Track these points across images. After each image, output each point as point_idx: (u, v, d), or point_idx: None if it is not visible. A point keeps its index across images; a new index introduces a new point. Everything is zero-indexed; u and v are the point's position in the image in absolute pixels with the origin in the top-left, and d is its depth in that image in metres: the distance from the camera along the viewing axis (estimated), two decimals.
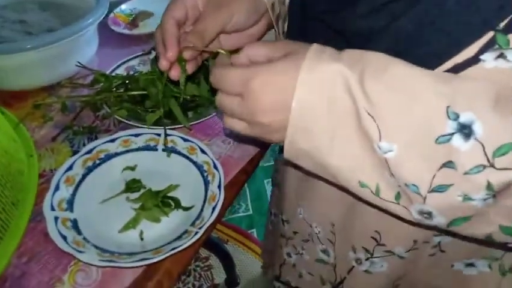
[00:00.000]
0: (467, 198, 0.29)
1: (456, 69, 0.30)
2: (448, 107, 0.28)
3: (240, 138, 0.62)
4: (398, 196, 0.32)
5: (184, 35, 0.46)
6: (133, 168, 0.60)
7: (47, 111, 0.71)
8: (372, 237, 0.45)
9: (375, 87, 0.29)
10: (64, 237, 0.48)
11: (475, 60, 0.29)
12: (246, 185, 1.53)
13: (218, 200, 0.52)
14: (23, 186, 0.56)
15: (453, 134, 0.28)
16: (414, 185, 0.30)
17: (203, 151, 0.59)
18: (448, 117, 0.28)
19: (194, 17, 0.47)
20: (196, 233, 0.49)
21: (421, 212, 0.32)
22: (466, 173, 0.28)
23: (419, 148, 0.29)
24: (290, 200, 0.55)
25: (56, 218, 0.51)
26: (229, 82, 0.34)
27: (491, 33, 0.28)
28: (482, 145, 0.27)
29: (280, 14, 0.49)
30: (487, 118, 0.27)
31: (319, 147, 0.32)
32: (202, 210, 0.53)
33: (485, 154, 0.27)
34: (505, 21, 0.28)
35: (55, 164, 0.62)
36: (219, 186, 0.54)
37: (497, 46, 0.28)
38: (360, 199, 0.35)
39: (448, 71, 0.31)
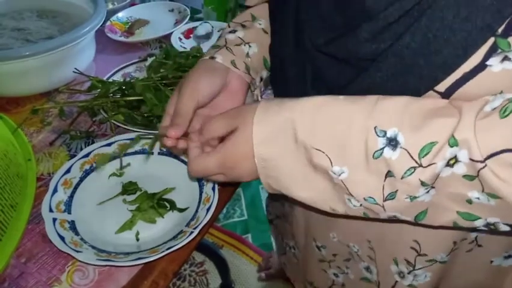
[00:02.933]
0: (412, 197, 0.33)
1: (465, 78, 0.32)
2: (375, 127, 0.33)
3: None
4: (365, 214, 0.37)
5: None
6: (129, 171, 0.61)
7: (45, 117, 0.72)
8: (412, 248, 0.46)
9: (317, 124, 0.35)
10: (62, 238, 0.50)
11: (482, 66, 0.31)
12: (241, 190, 1.54)
13: (212, 201, 0.54)
14: (22, 190, 0.57)
15: (383, 148, 0.33)
16: (370, 197, 0.35)
17: None
18: (377, 135, 0.33)
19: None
20: (191, 232, 0.50)
21: (389, 216, 0.36)
22: (402, 177, 0.32)
23: (364, 166, 0.34)
24: (320, 226, 0.56)
25: (54, 220, 0.52)
26: (209, 171, 0.42)
27: (492, 39, 0.30)
28: (407, 151, 0.32)
29: (249, 67, 0.52)
30: (406, 129, 0.32)
31: (288, 188, 0.38)
32: (197, 211, 0.54)
33: (412, 157, 0.32)
34: (503, 26, 0.30)
35: (53, 168, 0.63)
36: (213, 188, 0.55)
37: (500, 50, 0.30)
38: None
39: (457, 81, 0.32)
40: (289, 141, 0.36)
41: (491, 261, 0.47)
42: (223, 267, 1.22)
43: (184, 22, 0.98)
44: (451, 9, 0.31)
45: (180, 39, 0.93)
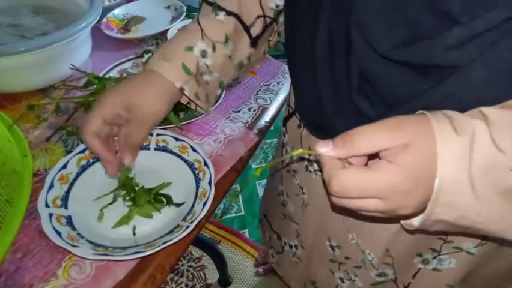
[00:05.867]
0: None
1: None
2: None
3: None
4: None
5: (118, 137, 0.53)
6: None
7: (41, 113, 0.72)
8: (440, 238, 0.45)
9: (508, 140, 0.30)
10: (59, 233, 0.50)
11: None
12: (238, 187, 1.55)
13: (208, 196, 0.54)
14: (18, 185, 0.57)
15: None
16: None
17: (194, 150, 0.61)
18: None
19: (117, 121, 0.52)
20: (188, 227, 0.50)
21: None
22: None
23: None
24: (338, 227, 0.54)
25: (50, 215, 0.52)
26: (366, 192, 0.31)
27: None
28: None
29: (207, 94, 0.54)
30: None
31: (465, 216, 0.32)
32: (193, 205, 0.55)
33: None
34: None
35: (49, 164, 0.63)
36: (210, 183, 0.56)
37: None
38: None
39: None
40: (479, 162, 0.30)
41: None
42: (220, 262, 1.22)
43: (181, 19, 0.98)
44: None
45: None
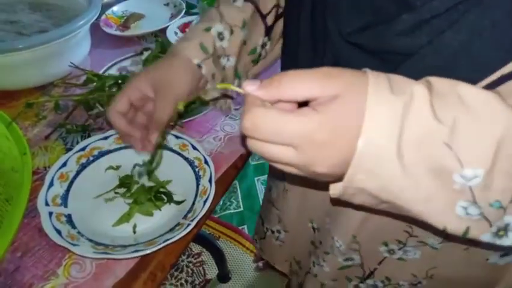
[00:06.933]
0: None
1: (501, 80, 0.30)
2: None
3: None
4: (466, 232, 0.30)
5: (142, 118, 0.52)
6: (126, 165, 0.61)
7: (40, 110, 0.72)
8: (405, 231, 0.46)
9: (449, 113, 0.27)
10: (58, 232, 0.49)
11: None
12: (237, 182, 1.55)
13: (209, 194, 0.54)
14: (17, 183, 0.57)
15: None
16: (497, 201, 0.28)
17: (194, 147, 0.60)
18: None
19: (143, 103, 0.52)
20: (188, 225, 0.50)
21: (497, 231, 0.30)
22: None
23: (503, 166, 0.27)
24: (318, 209, 0.56)
25: (50, 213, 0.52)
26: (281, 136, 0.29)
27: None
28: None
29: (223, 80, 0.54)
30: None
31: (387, 189, 0.29)
32: (193, 203, 0.55)
33: None
34: None
35: (49, 162, 0.63)
36: (210, 181, 0.56)
37: None
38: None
39: (493, 82, 0.30)
40: (412, 129, 0.27)
41: (487, 259, 0.47)
42: (220, 257, 1.23)
43: (180, 16, 0.97)
44: (501, 7, 0.29)
45: (176, 33, 0.93)
